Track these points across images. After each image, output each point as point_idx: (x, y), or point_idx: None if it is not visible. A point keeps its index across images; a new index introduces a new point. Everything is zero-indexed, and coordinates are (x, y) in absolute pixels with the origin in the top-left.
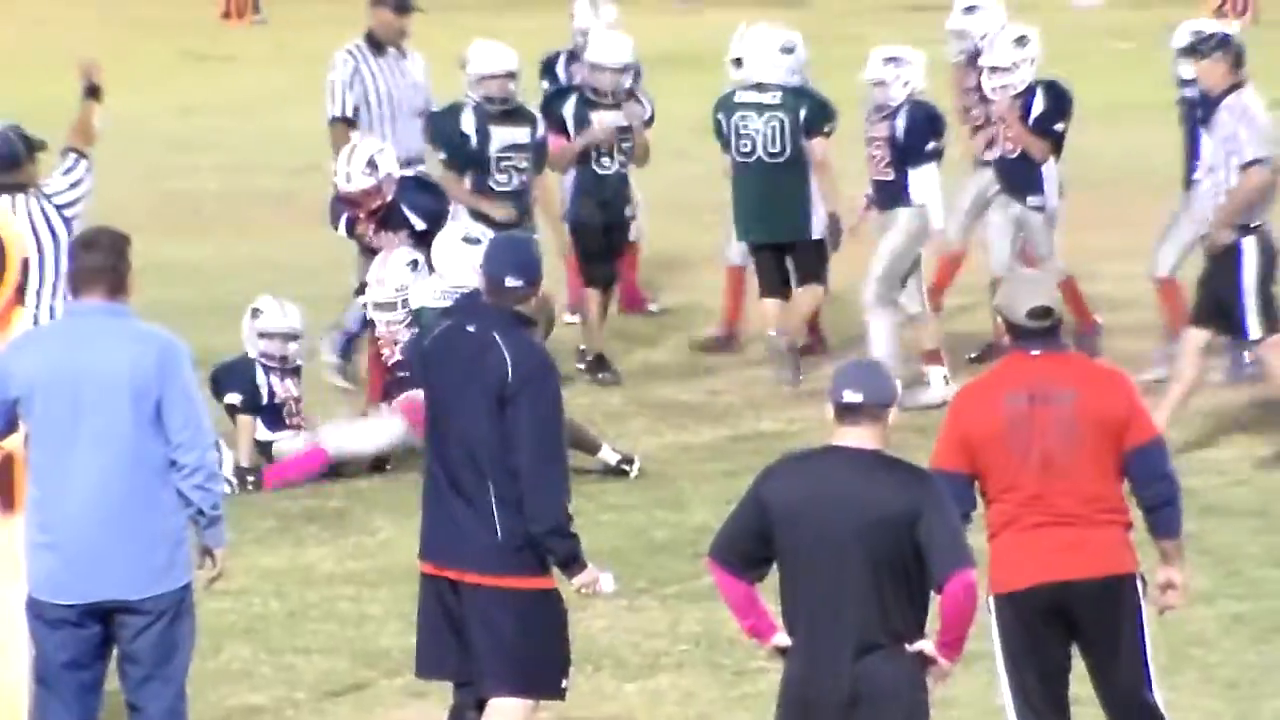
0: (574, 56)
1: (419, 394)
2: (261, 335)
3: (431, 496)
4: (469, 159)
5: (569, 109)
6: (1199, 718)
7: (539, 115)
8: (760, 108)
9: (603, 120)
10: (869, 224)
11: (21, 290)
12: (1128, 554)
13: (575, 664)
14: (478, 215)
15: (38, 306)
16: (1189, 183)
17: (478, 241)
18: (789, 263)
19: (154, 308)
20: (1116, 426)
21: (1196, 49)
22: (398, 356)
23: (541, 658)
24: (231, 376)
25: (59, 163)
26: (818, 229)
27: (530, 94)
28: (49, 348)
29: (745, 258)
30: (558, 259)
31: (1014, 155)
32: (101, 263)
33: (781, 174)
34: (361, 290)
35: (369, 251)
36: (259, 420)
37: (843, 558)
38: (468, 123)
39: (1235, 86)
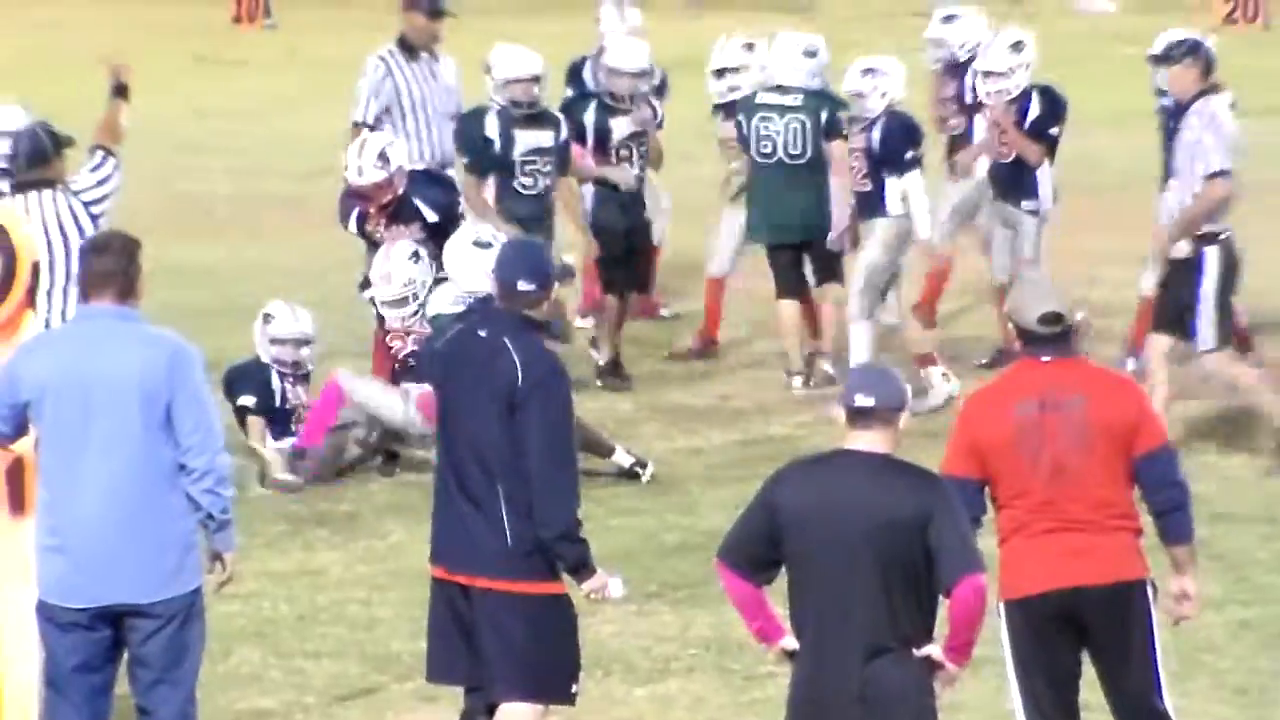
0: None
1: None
2: (273, 341)
3: (442, 500)
4: (492, 163)
5: (589, 115)
6: None
7: (562, 118)
8: (782, 109)
9: (625, 172)
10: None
11: (32, 293)
12: (1138, 560)
13: (585, 669)
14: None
15: (65, 302)
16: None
17: (489, 245)
18: (806, 263)
19: (165, 310)
20: (1126, 432)
21: (1168, 55)
22: (409, 348)
23: (551, 663)
24: (245, 378)
25: (86, 160)
26: (836, 229)
27: (554, 100)
28: (59, 351)
29: (724, 269)
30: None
31: (1009, 160)
32: (112, 266)
33: (801, 175)
34: (365, 285)
35: (378, 249)
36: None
37: (853, 561)
38: (491, 127)
39: (1205, 93)
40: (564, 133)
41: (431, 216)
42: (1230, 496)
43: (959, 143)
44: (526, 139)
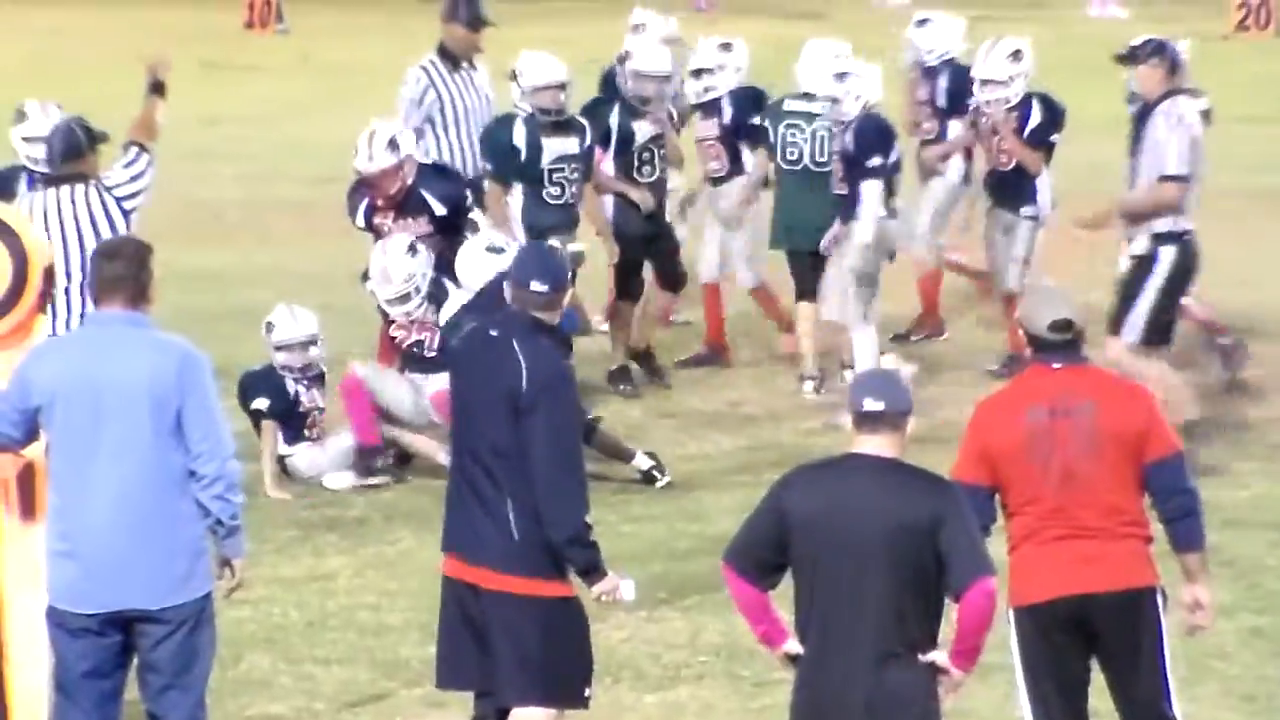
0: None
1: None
2: (279, 348)
3: (453, 494)
4: (518, 172)
5: (613, 119)
6: None
7: (587, 124)
8: (809, 116)
9: (645, 194)
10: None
11: (44, 298)
12: (1148, 567)
13: (595, 675)
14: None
15: None
16: None
17: (501, 251)
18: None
19: (175, 315)
20: (1136, 439)
21: (1133, 55)
22: (415, 338)
23: (564, 667)
24: (260, 384)
25: (120, 156)
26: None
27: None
28: (70, 357)
29: (716, 274)
30: (605, 268)
31: (1008, 167)
32: (123, 272)
33: (828, 182)
34: (367, 276)
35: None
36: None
37: (863, 565)
38: (519, 135)
39: (1172, 93)
40: (589, 139)
41: (440, 209)
42: (1240, 503)
43: (931, 147)
44: (554, 146)
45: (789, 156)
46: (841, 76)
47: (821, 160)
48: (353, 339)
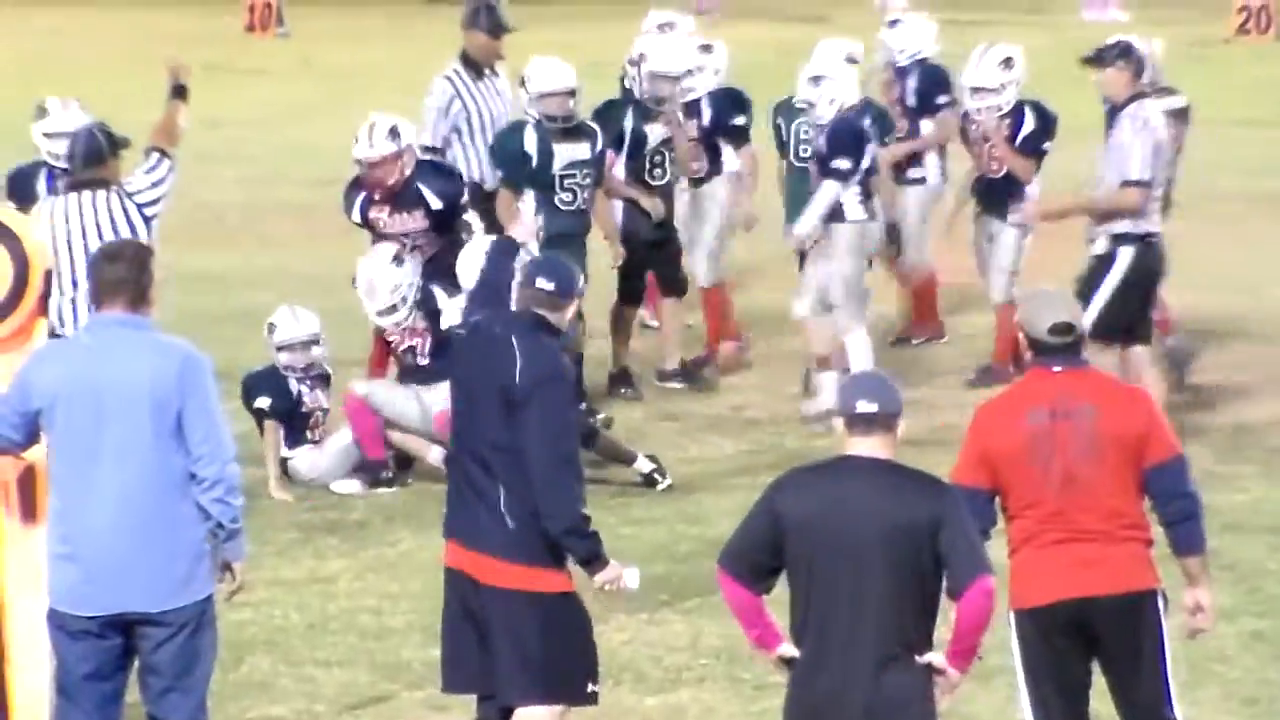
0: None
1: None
2: (281, 349)
3: (452, 487)
4: (530, 179)
5: (627, 121)
6: None
7: (598, 129)
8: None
9: (656, 203)
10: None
11: (44, 301)
12: (1149, 570)
13: (599, 676)
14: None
15: None
16: None
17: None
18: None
19: (177, 317)
20: (1136, 443)
21: (1099, 58)
22: (408, 343)
23: (565, 663)
24: (263, 383)
25: (142, 161)
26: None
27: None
28: (71, 359)
29: (712, 278)
30: (610, 273)
31: (998, 175)
32: (124, 275)
33: None
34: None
35: (383, 240)
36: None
37: (861, 567)
38: (530, 142)
39: (1138, 96)
40: (600, 144)
41: (436, 204)
42: (1241, 507)
43: (900, 145)
44: (564, 152)
45: (801, 154)
46: (817, 80)
47: None
48: (353, 342)
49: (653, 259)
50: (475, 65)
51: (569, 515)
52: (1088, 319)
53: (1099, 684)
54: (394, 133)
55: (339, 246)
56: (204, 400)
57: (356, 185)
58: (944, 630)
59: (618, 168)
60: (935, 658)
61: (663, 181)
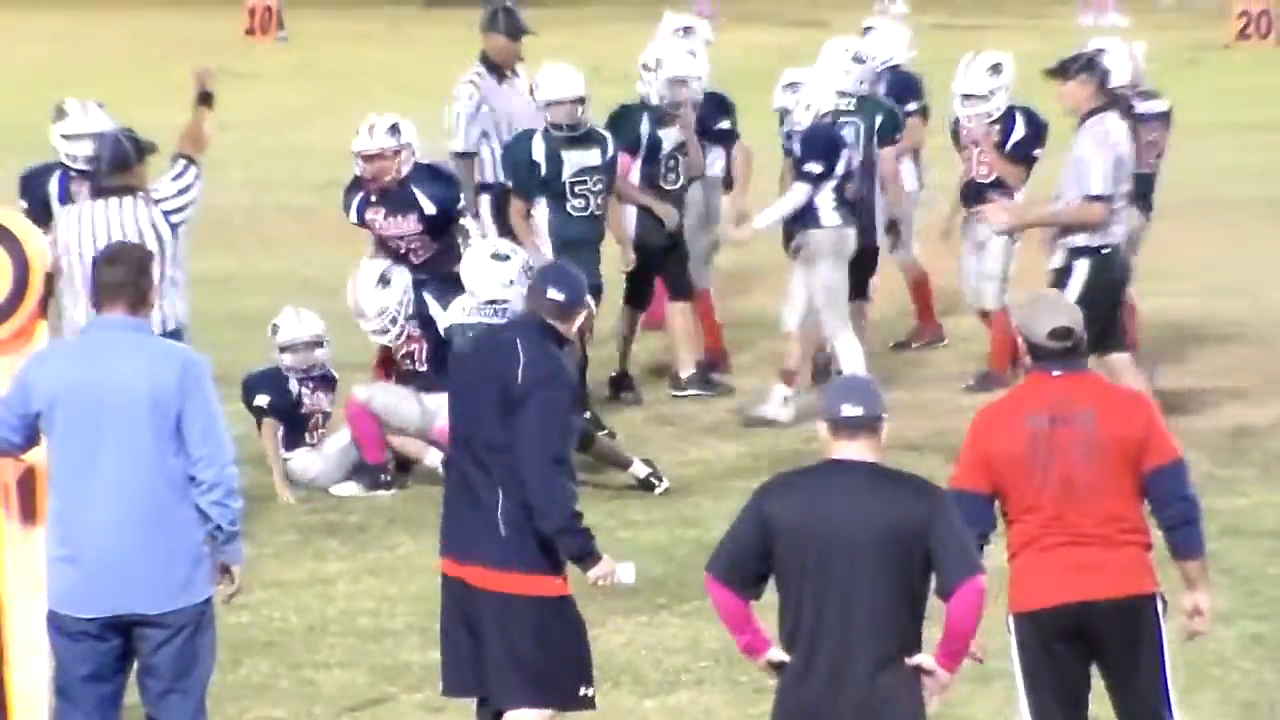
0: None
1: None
2: (284, 349)
3: (449, 491)
4: (540, 186)
5: (643, 126)
6: None
7: (608, 135)
8: (835, 114)
9: (670, 211)
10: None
11: (44, 304)
12: (1148, 575)
13: (594, 679)
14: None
15: None
16: None
17: (507, 258)
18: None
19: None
20: (1136, 447)
21: (1062, 70)
22: (407, 349)
23: (558, 667)
24: (263, 382)
25: (168, 168)
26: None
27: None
28: (71, 362)
29: (704, 280)
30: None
31: (986, 180)
32: (123, 278)
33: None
34: None
35: (380, 242)
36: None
37: (852, 570)
38: (539, 150)
39: (1100, 109)
40: (611, 150)
41: (429, 208)
42: (1240, 511)
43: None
44: (574, 159)
45: None
46: (793, 87)
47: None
48: (355, 345)
49: (662, 263)
50: (496, 68)
51: (560, 513)
52: None
53: (1098, 687)
54: (394, 129)
55: (340, 250)
56: (203, 403)
57: (356, 185)
58: (935, 631)
59: (633, 173)
60: (924, 659)
61: (676, 186)
